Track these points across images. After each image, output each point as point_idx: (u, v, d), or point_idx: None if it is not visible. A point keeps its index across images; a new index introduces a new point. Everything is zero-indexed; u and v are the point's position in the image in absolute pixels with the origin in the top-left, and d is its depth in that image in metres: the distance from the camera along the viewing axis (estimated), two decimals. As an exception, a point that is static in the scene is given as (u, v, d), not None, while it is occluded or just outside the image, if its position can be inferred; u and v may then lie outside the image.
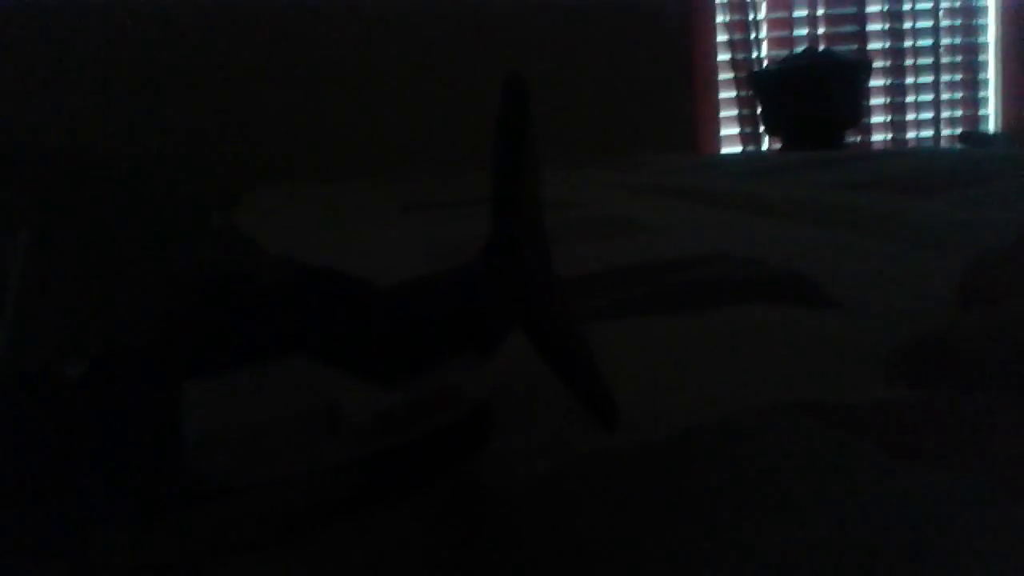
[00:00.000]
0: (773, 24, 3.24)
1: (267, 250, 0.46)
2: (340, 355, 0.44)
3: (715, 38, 3.16)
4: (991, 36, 3.32)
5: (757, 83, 3.00)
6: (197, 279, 0.44)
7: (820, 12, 3.23)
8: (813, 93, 2.76)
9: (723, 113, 3.21)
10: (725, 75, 3.19)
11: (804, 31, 3.21)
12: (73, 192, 0.45)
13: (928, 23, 3.26)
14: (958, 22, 3.27)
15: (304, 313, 0.45)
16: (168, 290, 0.43)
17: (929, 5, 3.26)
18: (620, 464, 0.46)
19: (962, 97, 3.32)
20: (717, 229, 1.12)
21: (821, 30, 3.22)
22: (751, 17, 3.15)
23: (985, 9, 3.31)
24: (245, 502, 0.40)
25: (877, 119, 3.29)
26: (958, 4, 3.28)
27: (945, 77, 3.29)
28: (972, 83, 3.32)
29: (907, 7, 3.24)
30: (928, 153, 2.45)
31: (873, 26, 3.25)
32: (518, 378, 0.51)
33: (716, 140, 3.19)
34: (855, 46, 3.22)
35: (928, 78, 3.29)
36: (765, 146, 3.18)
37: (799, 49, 3.11)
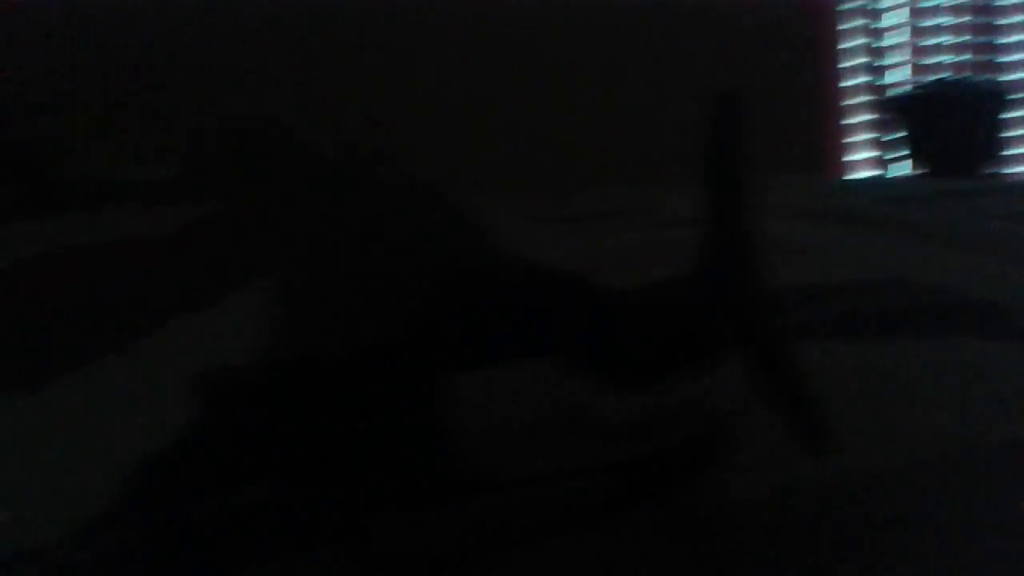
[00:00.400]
0: (908, 50, 3.17)
1: (507, 249, 0.47)
2: (587, 357, 0.45)
3: (839, 61, 3.11)
4: None
5: (896, 108, 2.94)
6: (450, 276, 0.45)
7: (957, 39, 3.15)
8: (956, 121, 2.69)
9: (848, 138, 3.15)
10: (851, 100, 3.13)
11: (940, 58, 3.14)
12: (338, 189, 0.47)
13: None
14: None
15: (551, 312, 0.46)
16: (423, 285, 0.44)
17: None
18: (841, 490, 0.46)
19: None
20: (881, 254, 1.09)
21: (959, 57, 3.14)
22: (879, 43, 3.10)
23: None
24: (506, 497, 0.41)
25: (1017, 150, 3.19)
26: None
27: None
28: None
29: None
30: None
31: (1014, 56, 3.16)
32: (741, 397, 0.51)
33: (842, 164, 3.14)
34: (994, 75, 3.13)
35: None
36: (895, 172, 3.12)
37: (938, 76, 3.04)
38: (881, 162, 3.14)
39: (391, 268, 0.46)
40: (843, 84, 3.17)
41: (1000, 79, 3.14)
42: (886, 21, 3.15)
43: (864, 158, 3.17)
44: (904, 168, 3.05)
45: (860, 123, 3.18)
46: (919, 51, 3.18)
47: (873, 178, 3.10)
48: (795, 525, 0.43)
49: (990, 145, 2.85)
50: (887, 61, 3.16)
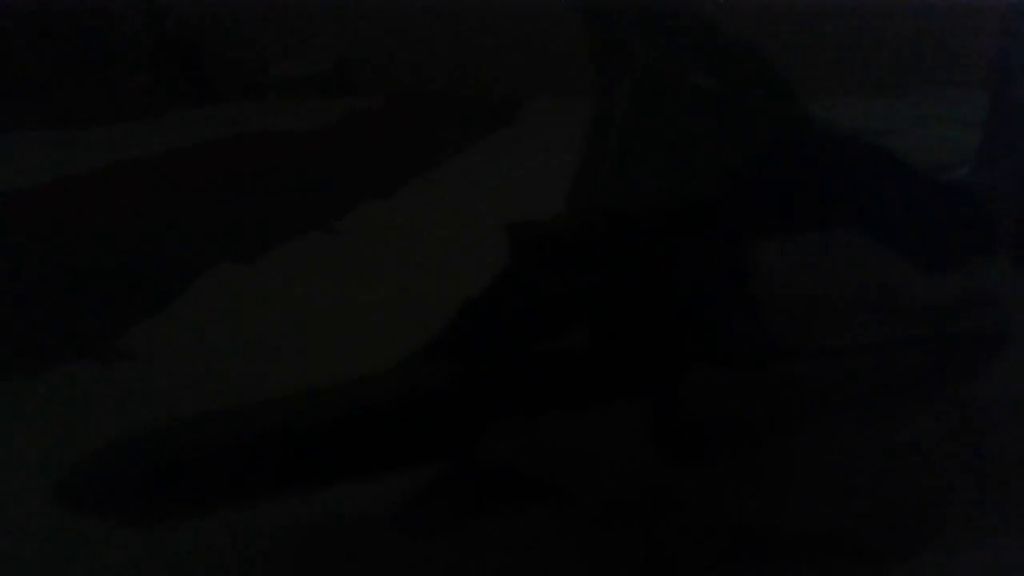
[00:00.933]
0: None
1: (823, 120, 0.48)
2: (892, 233, 0.47)
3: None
4: None
5: None
6: (766, 140, 0.47)
7: None
8: None
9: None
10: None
11: None
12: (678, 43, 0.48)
13: None
14: None
15: (862, 184, 0.48)
16: (739, 148, 0.46)
17: None
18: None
19: None
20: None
21: None
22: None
23: None
24: (809, 366, 0.43)
25: None
26: None
27: None
28: None
29: None
30: None
31: None
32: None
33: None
34: None
35: None
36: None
37: None
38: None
39: (707, 129, 0.48)
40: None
41: None
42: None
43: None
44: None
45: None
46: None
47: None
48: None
49: None
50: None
